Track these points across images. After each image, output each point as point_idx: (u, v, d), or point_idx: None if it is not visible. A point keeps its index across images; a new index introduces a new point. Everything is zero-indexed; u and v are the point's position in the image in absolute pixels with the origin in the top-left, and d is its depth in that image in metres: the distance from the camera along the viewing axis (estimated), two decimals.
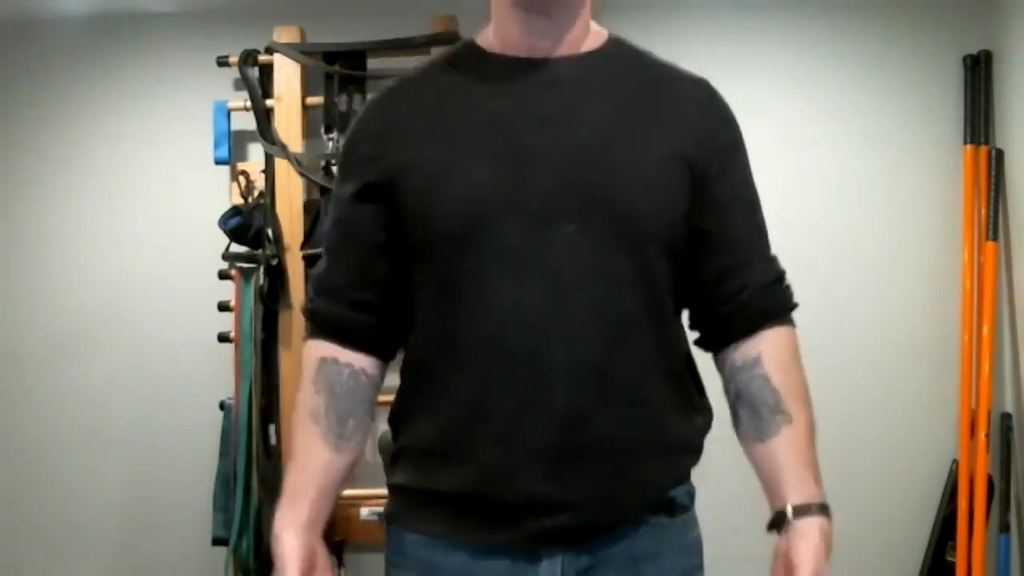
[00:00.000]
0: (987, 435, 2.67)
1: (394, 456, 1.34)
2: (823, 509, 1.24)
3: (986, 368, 2.68)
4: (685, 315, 1.36)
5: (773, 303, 1.32)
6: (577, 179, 1.22)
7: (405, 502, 1.32)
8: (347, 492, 2.79)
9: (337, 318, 1.31)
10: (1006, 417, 2.73)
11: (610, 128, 1.25)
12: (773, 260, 1.34)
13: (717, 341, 1.33)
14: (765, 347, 1.29)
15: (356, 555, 2.81)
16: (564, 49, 1.28)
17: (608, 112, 1.26)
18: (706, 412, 1.34)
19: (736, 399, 1.30)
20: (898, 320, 2.85)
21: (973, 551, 2.64)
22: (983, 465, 2.66)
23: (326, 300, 1.33)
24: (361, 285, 1.31)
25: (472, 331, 1.22)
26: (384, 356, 1.34)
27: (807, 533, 1.22)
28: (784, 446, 1.26)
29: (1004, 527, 2.68)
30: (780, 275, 1.34)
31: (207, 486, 2.77)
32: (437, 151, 1.25)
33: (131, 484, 2.96)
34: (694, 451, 1.32)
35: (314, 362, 1.31)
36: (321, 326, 1.33)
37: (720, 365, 1.33)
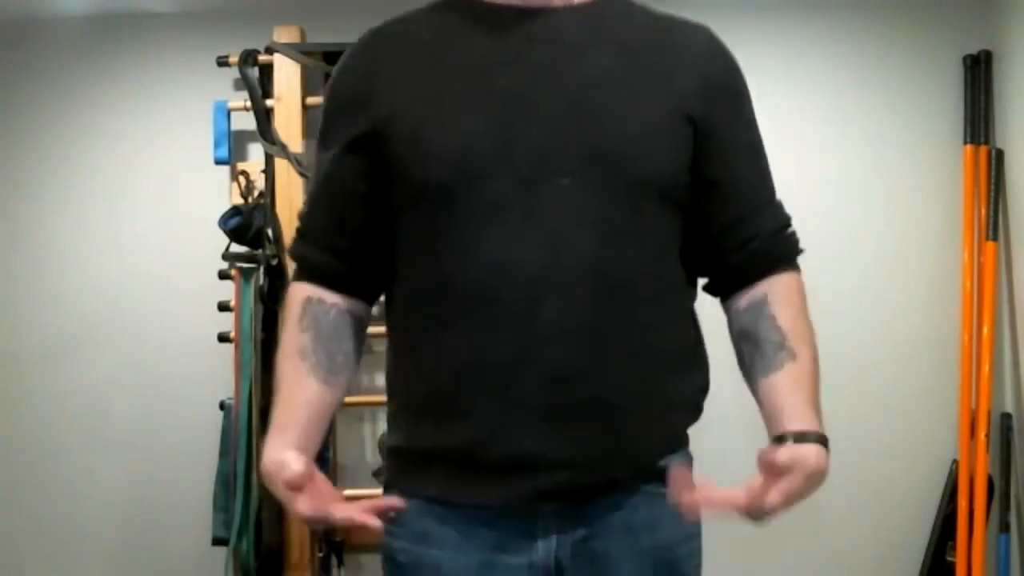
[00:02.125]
0: (987, 435, 2.67)
1: (388, 418, 1.33)
2: (822, 440, 1.20)
3: (986, 368, 2.68)
4: (692, 268, 1.34)
5: (781, 250, 1.32)
6: (572, 131, 1.20)
7: (399, 466, 1.31)
8: (347, 492, 2.78)
9: (318, 263, 1.32)
10: (1006, 417, 2.73)
11: (607, 79, 1.24)
12: (779, 206, 1.34)
13: (726, 288, 1.33)
14: (772, 290, 1.29)
15: (356, 555, 2.81)
16: (559, 0, 1.27)
17: (605, 63, 1.25)
18: (705, 370, 1.33)
19: (741, 337, 1.30)
20: (898, 320, 2.85)
21: (973, 551, 2.64)
22: (983, 465, 2.66)
23: (307, 245, 1.34)
24: (338, 232, 1.31)
25: (463, 285, 1.21)
26: (367, 299, 1.35)
27: (807, 456, 1.17)
28: (787, 380, 1.25)
29: (1004, 527, 2.68)
30: (787, 221, 1.34)
31: (207, 486, 2.77)
32: (426, 99, 1.24)
33: (131, 484, 2.96)
34: (692, 410, 1.31)
35: (299, 302, 1.31)
36: (304, 269, 1.34)
37: (726, 308, 1.33)
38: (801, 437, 1.19)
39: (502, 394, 1.19)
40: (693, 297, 1.34)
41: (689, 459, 1.32)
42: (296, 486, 1.21)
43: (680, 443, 1.31)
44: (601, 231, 1.20)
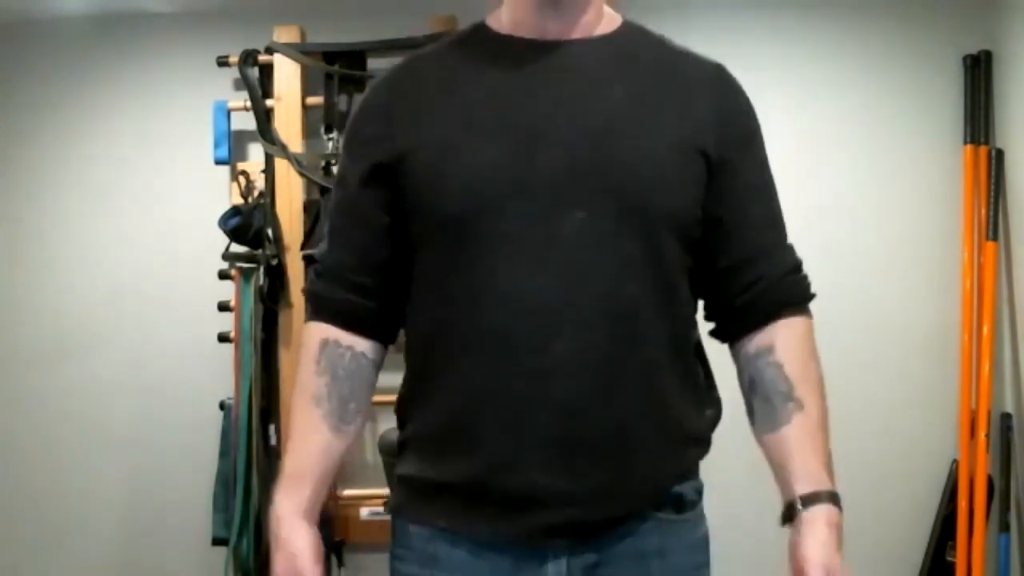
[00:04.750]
0: (987, 435, 2.67)
1: (400, 445, 1.32)
2: (832, 498, 1.21)
3: (986, 368, 2.68)
4: (699, 305, 1.34)
5: (790, 293, 1.30)
6: (587, 165, 1.20)
7: (410, 494, 1.30)
8: (347, 492, 2.78)
9: (337, 301, 1.30)
10: (1006, 417, 2.73)
11: (622, 114, 1.23)
12: (789, 249, 1.33)
13: (732, 332, 1.31)
14: (779, 336, 1.27)
15: (356, 555, 2.81)
16: (577, 32, 1.27)
17: (620, 97, 1.24)
18: (715, 404, 1.32)
19: (749, 388, 1.29)
20: (898, 320, 2.85)
21: (973, 551, 2.64)
22: (983, 465, 2.66)
23: (326, 282, 1.32)
24: (361, 268, 1.30)
25: (477, 318, 1.20)
26: (384, 340, 1.34)
27: (814, 524, 1.19)
28: (795, 434, 1.24)
29: (1004, 527, 2.68)
30: (797, 264, 1.32)
31: (207, 486, 2.77)
32: (444, 132, 1.23)
33: (131, 484, 2.96)
34: (702, 444, 1.30)
35: (316, 344, 1.30)
36: (321, 309, 1.32)
37: (735, 355, 1.32)
38: (809, 500, 1.20)
39: (514, 427, 1.19)
40: (698, 331, 1.33)
41: (700, 488, 1.32)
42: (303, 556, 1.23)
43: (691, 474, 1.31)
44: (615, 265, 1.20)
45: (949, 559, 2.72)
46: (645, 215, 1.21)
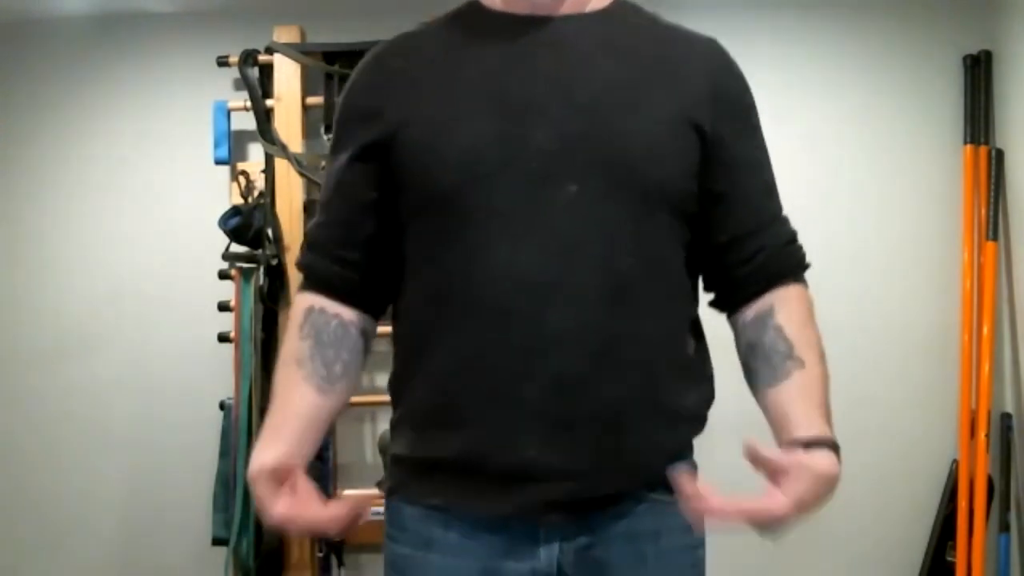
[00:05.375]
0: (987, 435, 2.67)
1: (393, 425, 1.32)
2: (834, 447, 1.19)
3: (986, 368, 2.68)
4: (697, 279, 1.34)
5: (788, 263, 1.31)
6: (580, 138, 1.20)
7: (403, 473, 1.30)
8: (347, 492, 2.78)
9: (325, 273, 1.31)
10: (1006, 417, 2.73)
11: (615, 87, 1.23)
12: (785, 221, 1.33)
13: (733, 302, 1.32)
14: (779, 300, 1.28)
15: (356, 555, 2.81)
16: (569, 8, 1.27)
17: (613, 71, 1.24)
18: (709, 381, 1.32)
19: (748, 350, 1.29)
20: (898, 320, 2.85)
21: (973, 551, 2.64)
22: (983, 465, 2.66)
23: (315, 255, 1.33)
24: (349, 243, 1.30)
25: (468, 292, 1.20)
26: (373, 312, 1.34)
27: (813, 458, 1.15)
28: (796, 389, 1.23)
29: (1004, 527, 2.68)
30: (793, 236, 1.33)
31: (207, 486, 2.77)
32: (435, 108, 1.24)
33: (131, 484, 2.96)
34: (697, 420, 1.30)
35: (301, 311, 1.31)
36: (310, 280, 1.32)
37: (733, 323, 1.32)
38: (810, 444, 1.17)
39: (507, 403, 1.19)
40: (696, 307, 1.33)
41: (693, 468, 1.31)
42: (271, 479, 1.18)
43: (685, 453, 1.30)
44: (608, 238, 1.20)
45: (949, 559, 2.72)
46: (637, 188, 1.21)
